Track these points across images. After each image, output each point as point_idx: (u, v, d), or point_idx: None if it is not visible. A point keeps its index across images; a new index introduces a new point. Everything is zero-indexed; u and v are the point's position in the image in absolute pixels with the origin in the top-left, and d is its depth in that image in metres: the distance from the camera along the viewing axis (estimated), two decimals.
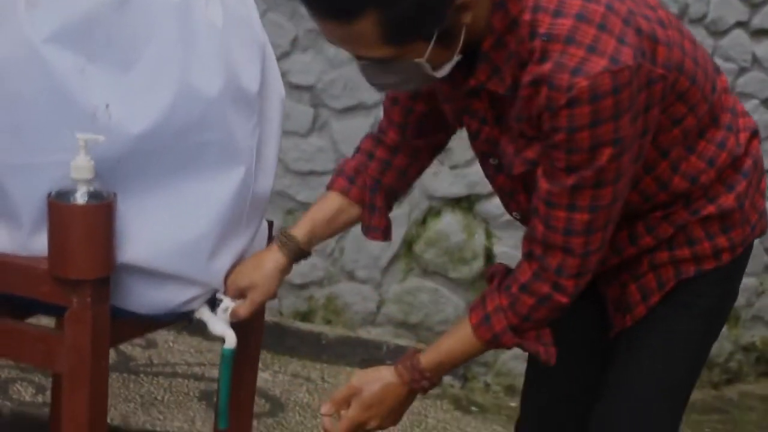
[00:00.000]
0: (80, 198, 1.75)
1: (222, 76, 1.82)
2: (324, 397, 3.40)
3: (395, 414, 1.85)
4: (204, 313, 1.96)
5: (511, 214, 1.91)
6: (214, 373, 3.28)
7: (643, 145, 1.71)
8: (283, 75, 3.58)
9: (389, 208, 2.02)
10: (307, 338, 3.75)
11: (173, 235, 1.84)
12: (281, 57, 3.55)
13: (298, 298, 3.88)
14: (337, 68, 3.68)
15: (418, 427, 3.36)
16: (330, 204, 2.00)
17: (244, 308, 1.95)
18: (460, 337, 1.82)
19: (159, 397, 3.05)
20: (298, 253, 1.97)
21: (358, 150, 2.02)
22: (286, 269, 1.97)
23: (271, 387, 3.35)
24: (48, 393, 2.73)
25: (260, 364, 3.57)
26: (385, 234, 2.02)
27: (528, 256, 1.76)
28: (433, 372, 1.82)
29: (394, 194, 2.03)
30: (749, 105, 4.07)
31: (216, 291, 1.95)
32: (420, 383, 1.82)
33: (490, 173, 1.87)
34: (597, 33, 1.60)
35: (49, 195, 1.76)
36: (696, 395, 2.00)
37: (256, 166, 1.92)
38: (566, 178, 1.66)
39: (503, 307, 1.77)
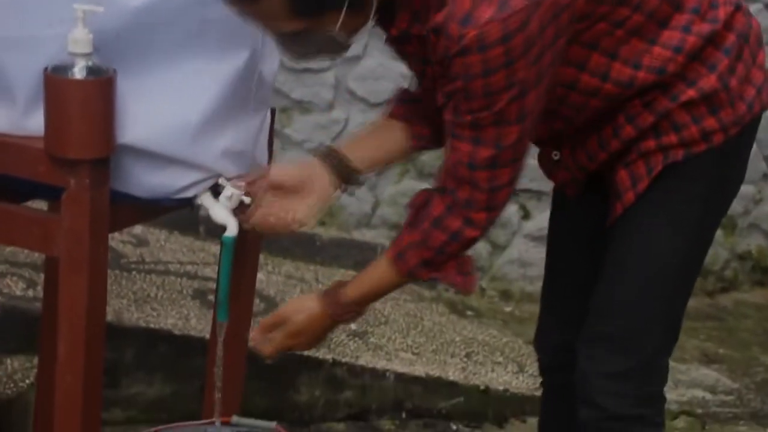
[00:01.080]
0: (78, 72, 1.65)
1: None
2: None
3: (319, 339, 1.94)
4: (206, 200, 1.87)
5: None
6: (208, 272, 3.23)
7: (555, 74, 1.70)
8: None
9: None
10: (301, 240, 3.68)
11: (174, 117, 1.76)
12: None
13: None
14: None
15: (414, 329, 3.32)
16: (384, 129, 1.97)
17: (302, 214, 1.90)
18: (380, 272, 1.87)
19: (152, 295, 2.98)
20: (349, 176, 1.92)
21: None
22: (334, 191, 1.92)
23: (265, 287, 3.28)
24: (39, 288, 2.66)
25: None
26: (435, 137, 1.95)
27: (441, 190, 1.78)
28: (356, 305, 1.88)
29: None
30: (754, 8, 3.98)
31: (219, 177, 1.86)
32: (343, 316, 1.89)
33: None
34: None
35: (46, 69, 1.66)
36: (691, 303, 1.97)
37: (262, 47, 1.83)
38: (465, 116, 1.67)
39: (416, 242, 1.80)
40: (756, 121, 1.86)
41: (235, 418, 2.15)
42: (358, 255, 3.74)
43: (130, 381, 2.77)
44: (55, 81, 1.65)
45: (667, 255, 1.86)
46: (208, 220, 3.73)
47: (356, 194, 3.78)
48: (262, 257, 3.63)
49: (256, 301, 3.13)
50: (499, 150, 1.69)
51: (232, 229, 1.88)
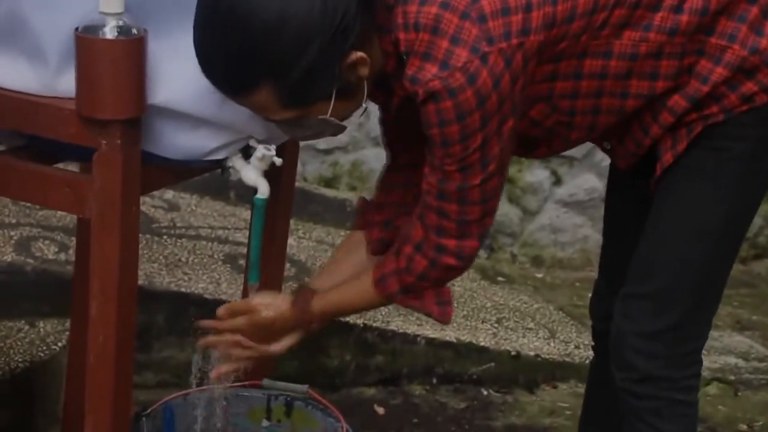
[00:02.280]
0: (109, 32, 1.64)
1: None
2: None
3: (273, 340, 1.94)
4: (237, 162, 1.86)
5: None
6: (239, 237, 3.23)
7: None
8: None
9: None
10: (331, 205, 3.68)
11: (204, 78, 1.74)
12: None
13: (323, 164, 3.80)
14: None
15: None
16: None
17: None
18: (359, 292, 1.90)
19: (183, 259, 2.98)
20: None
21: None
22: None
23: (296, 252, 3.28)
24: (71, 251, 2.67)
25: None
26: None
27: (419, 216, 1.80)
28: (323, 318, 1.93)
29: None
30: None
31: (250, 139, 1.85)
32: (308, 325, 1.93)
33: None
34: (430, 38, 1.62)
35: (77, 29, 1.65)
36: None
37: None
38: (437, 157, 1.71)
39: (399, 269, 1.83)
40: None
41: (266, 381, 2.16)
42: None
43: (161, 345, 2.78)
44: (85, 41, 1.64)
45: (704, 216, 1.83)
46: (238, 185, 3.75)
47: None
48: (293, 222, 3.63)
49: (287, 265, 3.14)
50: (464, 186, 1.72)
51: (263, 191, 1.87)
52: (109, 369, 1.77)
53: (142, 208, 3.26)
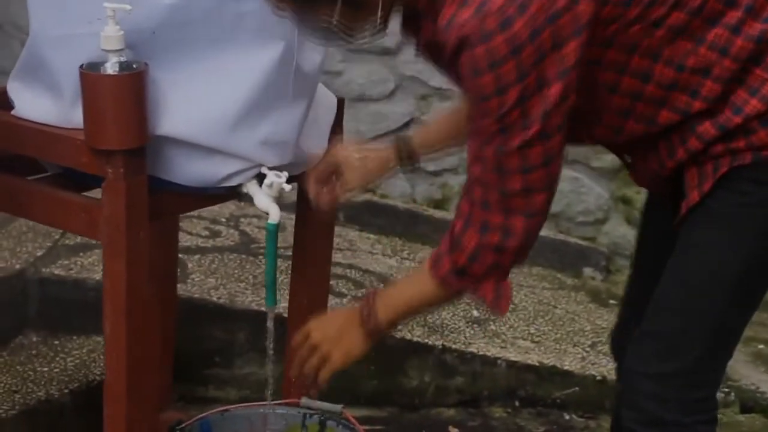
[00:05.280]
0: (110, 68, 1.75)
1: None
2: None
3: (342, 343, 1.86)
4: (251, 187, 1.94)
5: None
6: (337, 257, 3.29)
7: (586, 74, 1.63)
8: None
9: None
10: (440, 226, 3.70)
11: (212, 108, 1.83)
12: None
13: (432, 185, 3.83)
14: None
15: (543, 317, 3.29)
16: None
17: (340, 188, 2.00)
18: (415, 278, 1.83)
19: (279, 281, 3.07)
20: (410, 154, 1.99)
21: None
22: (390, 165, 2.00)
23: (394, 273, 3.33)
24: None
25: (389, 251, 3.60)
26: None
27: (465, 189, 1.73)
28: (388, 312, 1.82)
29: None
30: None
31: (261, 165, 1.92)
32: (375, 322, 1.82)
33: None
34: None
35: (82, 66, 1.76)
36: None
37: (298, 39, 1.87)
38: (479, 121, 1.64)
39: (448, 248, 1.73)
40: None
41: (304, 400, 2.21)
42: None
43: (242, 362, 2.87)
44: (89, 77, 1.75)
45: (724, 261, 1.76)
46: (346, 206, 3.83)
47: None
48: (398, 243, 3.71)
49: (381, 285, 3.19)
50: (502, 150, 1.64)
51: (274, 217, 1.93)
52: (122, 385, 1.87)
53: (246, 228, 3.42)
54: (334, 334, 1.87)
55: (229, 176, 1.90)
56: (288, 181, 1.93)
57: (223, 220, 3.44)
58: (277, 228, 1.95)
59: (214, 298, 2.89)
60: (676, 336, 1.81)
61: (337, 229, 3.59)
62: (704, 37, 1.67)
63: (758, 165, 1.72)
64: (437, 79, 3.68)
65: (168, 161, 1.86)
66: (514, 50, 1.56)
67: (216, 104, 1.84)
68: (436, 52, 1.68)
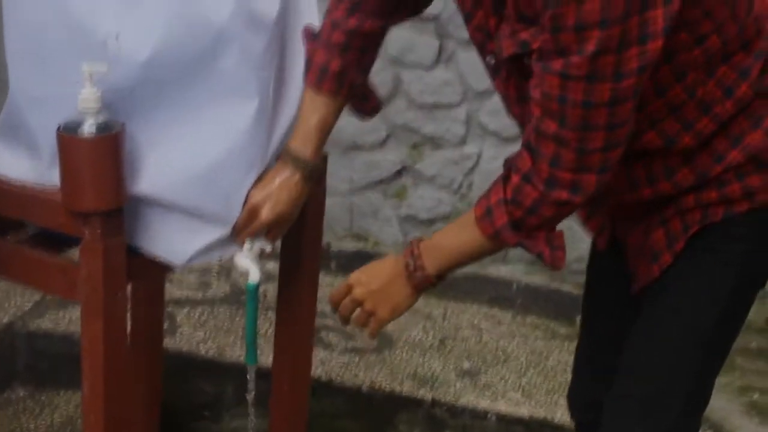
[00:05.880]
0: (87, 130, 1.74)
1: (234, 7, 1.77)
2: (441, 336, 3.35)
3: (389, 298, 1.78)
4: None
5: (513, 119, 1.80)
6: (327, 309, 3.28)
7: (659, 53, 1.50)
8: None
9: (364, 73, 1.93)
10: None
11: (186, 166, 1.82)
12: None
13: (425, 233, 3.82)
14: None
15: (534, 368, 3.26)
16: (325, 110, 1.89)
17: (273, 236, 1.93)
18: (463, 228, 1.71)
19: (262, 332, 3.05)
20: (315, 172, 1.91)
21: (324, 40, 1.87)
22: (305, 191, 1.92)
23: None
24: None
25: None
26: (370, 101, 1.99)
27: (527, 145, 1.62)
28: (427, 257, 1.73)
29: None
30: None
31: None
32: (416, 273, 1.74)
33: (489, 74, 1.75)
34: None
35: (59, 127, 1.76)
36: None
37: (277, 96, 1.87)
38: (555, 62, 1.50)
39: (506, 200, 1.64)
40: None
41: None
42: (493, 291, 3.70)
43: (231, 416, 2.86)
44: (65, 139, 1.75)
45: (698, 320, 1.75)
46: (339, 254, 3.82)
47: None
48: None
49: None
50: (588, 110, 1.51)
51: (253, 277, 1.93)
52: None
53: (237, 280, 3.40)
54: (379, 289, 1.79)
55: (210, 247, 1.89)
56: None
57: (214, 272, 3.43)
58: (257, 288, 1.94)
59: (203, 352, 2.87)
60: (655, 398, 1.79)
61: (329, 279, 3.59)
62: (715, 71, 1.63)
63: (729, 221, 1.71)
64: (429, 127, 3.69)
65: (147, 231, 1.85)
66: None
67: (192, 163, 1.83)
68: None
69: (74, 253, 1.91)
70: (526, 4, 1.55)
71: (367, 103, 1.98)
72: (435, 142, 3.71)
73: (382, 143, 3.74)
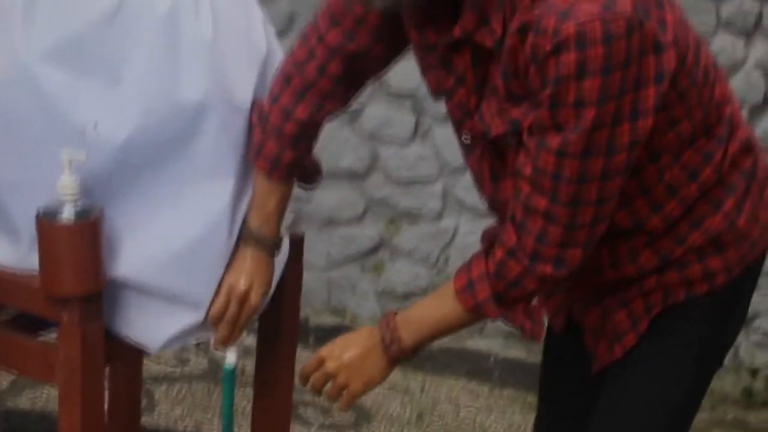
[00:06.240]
0: (66, 215, 1.76)
1: (210, 88, 1.81)
2: (418, 411, 3.36)
3: (363, 371, 1.77)
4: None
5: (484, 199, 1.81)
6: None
7: (649, 131, 1.54)
8: (383, 83, 3.59)
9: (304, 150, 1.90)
10: None
11: (165, 249, 1.84)
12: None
13: (403, 308, 3.82)
14: None
15: None
16: (279, 193, 1.89)
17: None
18: (441, 301, 1.71)
19: (240, 408, 3.05)
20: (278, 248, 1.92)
21: (274, 128, 1.84)
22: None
23: (363, 398, 3.30)
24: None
25: None
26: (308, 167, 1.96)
27: (512, 220, 1.63)
28: (404, 330, 1.72)
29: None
30: None
31: None
32: (392, 345, 1.73)
33: (463, 152, 1.76)
34: None
35: (38, 213, 1.78)
36: None
37: (247, 178, 1.90)
38: (552, 139, 1.52)
39: (489, 273, 1.64)
40: (760, 260, 1.78)
41: None
42: (471, 364, 3.73)
43: None
44: (44, 224, 1.77)
45: (663, 399, 1.78)
46: (317, 329, 3.83)
47: None
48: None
49: (348, 412, 3.17)
50: (581, 185, 1.54)
51: (230, 360, 1.95)
52: None
53: (215, 355, 3.40)
54: (352, 362, 1.77)
55: (188, 331, 1.91)
56: None
57: (192, 347, 3.44)
58: (234, 371, 1.95)
59: (180, 429, 2.87)
60: None
61: (306, 353, 3.58)
62: (681, 155, 1.66)
63: (690, 303, 1.73)
64: (406, 201, 3.72)
65: (125, 316, 1.87)
66: (625, 61, 1.47)
67: (169, 245, 1.84)
68: (457, 51, 1.61)
69: (53, 335, 1.93)
70: (518, 84, 1.57)
71: (311, 173, 1.97)
72: (412, 217, 3.74)
73: (360, 218, 3.77)
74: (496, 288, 1.65)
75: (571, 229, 1.59)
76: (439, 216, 3.74)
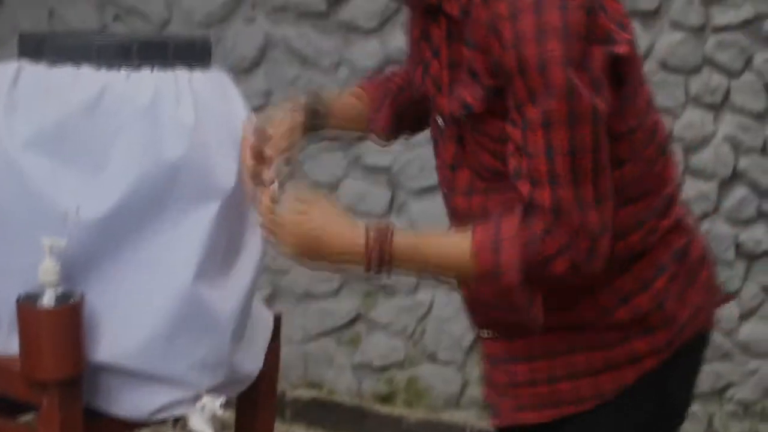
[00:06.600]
0: (47, 301, 1.78)
1: (191, 174, 1.84)
2: None
3: (315, 244, 1.68)
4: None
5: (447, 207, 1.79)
6: None
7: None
8: (359, 158, 3.63)
9: (396, 118, 2.01)
10: (387, 422, 3.71)
11: (145, 326, 1.84)
12: (357, 139, 3.57)
13: (378, 381, 3.85)
14: (413, 149, 3.67)
15: None
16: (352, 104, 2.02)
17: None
18: (451, 246, 1.60)
19: None
20: (315, 114, 1.96)
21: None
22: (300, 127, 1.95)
23: None
24: None
25: None
26: (386, 130, 2.04)
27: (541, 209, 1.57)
28: (396, 247, 1.61)
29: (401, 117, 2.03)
30: None
31: (198, 393, 1.94)
32: (373, 246, 1.63)
33: (434, 147, 1.81)
34: None
35: (18, 299, 1.79)
36: None
37: (232, 263, 1.92)
38: (532, 110, 1.51)
39: (523, 241, 1.54)
40: (696, 342, 1.77)
41: None
42: None
43: None
44: (24, 310, 1.78)
45: None
46: (294, 403, 3.82)
47: (443, 374, 3.80)
48: None
49: None
50: (575, 156, 1.53)
51: None
52: None
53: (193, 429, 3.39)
54: (315, 237, 1.68)
55: (167, 406, 1.92)
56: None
57: (169, 423, 3.42)
58: None
59: None
60: None
61: (284, 427, 3.61)
62: (618, 207, 1.63)
63: (639, 384, 1.72)
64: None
65: (105, 391, 1.88)
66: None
67: (149, 321, 1.85)
68: (434, 21, 1.66)
69: (33, 417, 1.94)
70: (480, 59, 1.58)
71: (379, 113, 2.03)
72: (388, 290, 3.76)
73: (336, 292, 3.79)
74: (529, 258, 1.55)
75: (580, 208, 1.54)
76: (416, 289, 3.76)
